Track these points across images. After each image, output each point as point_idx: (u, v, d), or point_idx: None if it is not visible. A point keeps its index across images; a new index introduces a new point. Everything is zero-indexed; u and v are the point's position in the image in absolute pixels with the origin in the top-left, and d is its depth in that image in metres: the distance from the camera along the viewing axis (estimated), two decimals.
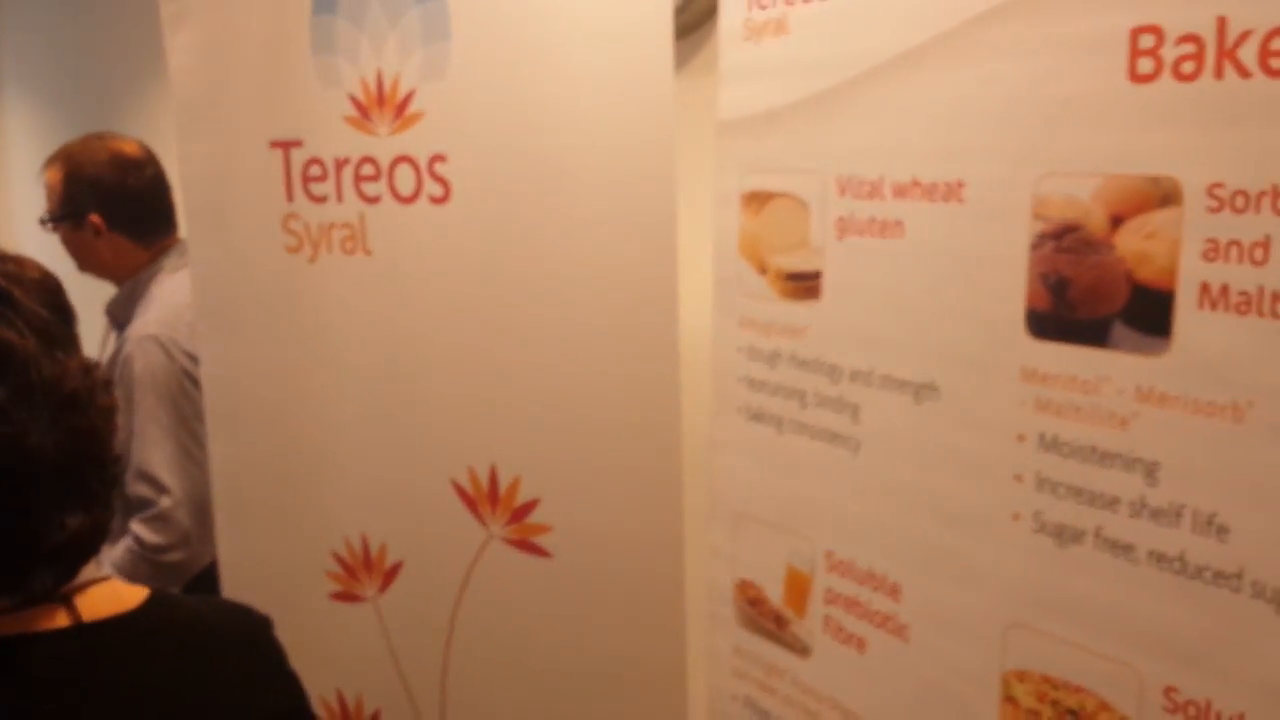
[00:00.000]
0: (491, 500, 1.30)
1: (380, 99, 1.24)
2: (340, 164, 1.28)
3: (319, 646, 1.39)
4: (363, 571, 1.42)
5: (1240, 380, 0.71)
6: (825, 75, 0.96)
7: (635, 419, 1.21)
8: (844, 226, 0.97)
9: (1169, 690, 0.76)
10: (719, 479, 1.14)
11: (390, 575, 1.40)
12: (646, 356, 1.20)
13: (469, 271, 1.27)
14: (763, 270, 1.06)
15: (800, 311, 1.03)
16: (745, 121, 1.06)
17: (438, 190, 1.26)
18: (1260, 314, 0.69)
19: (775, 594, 1.09)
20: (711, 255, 1.12)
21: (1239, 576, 0.72)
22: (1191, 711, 0.75)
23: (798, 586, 1.07)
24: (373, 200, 1.29)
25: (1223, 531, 0.73)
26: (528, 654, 1.32)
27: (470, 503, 1.32)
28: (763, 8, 1.01)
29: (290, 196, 1.31)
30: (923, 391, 0.92)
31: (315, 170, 1.29)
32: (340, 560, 1.43)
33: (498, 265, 1.25)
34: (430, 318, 1.31)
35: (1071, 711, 0.83)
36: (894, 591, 0.96)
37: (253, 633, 0.89)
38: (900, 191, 0.91)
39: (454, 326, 1.30)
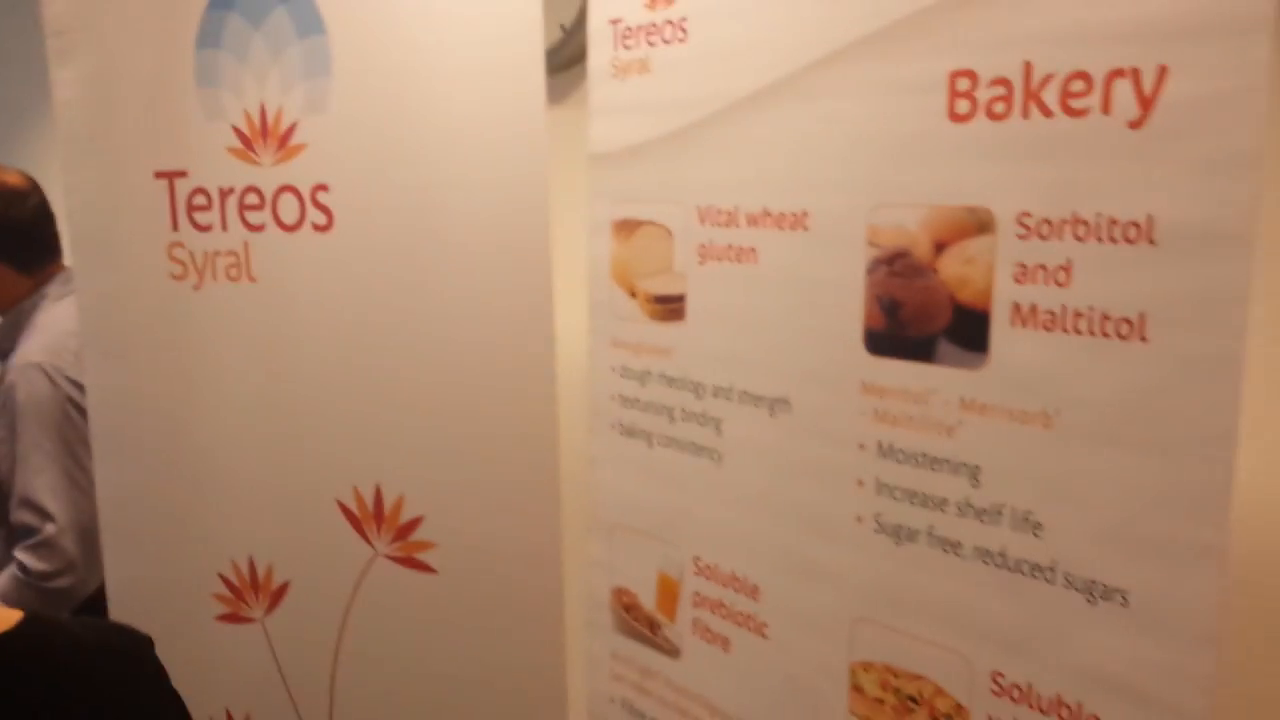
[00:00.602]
0: (377, 519, 1.33)
1: (263, 131, 1.27)
2: (225, 193, 1.30)
3: (206, 667, 1.40)
4: (250, 593, 1.43)
5: (1049, 391, 0.79)
6: (685, 112, 1.03)
7: (515, 437, 1.25)
8: (705, 253, 1.04)
9: (995, 675, 0.84)
10: (596, 492, 1.20)
11: (278, 595, 1.41)
12: (525, 377, 1.24)
13: (351, 297, 1.30)
14: (633, 294, 1.12)
15: (667, 332, 1.09)
16: (614, 155, 1.12)
17: (320, 219, 1.29)
18: (1064, 330, 0.77)
19: (648, 599, 1.15)
20: (586, 280, 1.18)
21: (1052, 569, 0.80)
22: (1015, 694, 0.83)
23: (668, 591, 1.13)
24: (257, 229, 1.31)
25: (1037, 528, 0.80)
26: (413, 666, 1.35)
27: (356, 522, 1.35)
28: (627, 48, 1.08)
29: (175, 225, 1.32)
30: (777, 405, 0.99)
31: (200, 200, 1.31)
32: (227, 582, 1.44)
33: (379, 291, 1.29)
34: (314, 342, 1.34)
35: (911, 698, 0.90)
36: (754, 592, 1.03)
37: (133, 652, 0.90)
38: (753, 220, 0.98)
39: (337, 350, 1.33)
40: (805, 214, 0.93)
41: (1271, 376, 0.98)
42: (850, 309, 0.90)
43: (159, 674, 0.91)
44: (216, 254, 1.33)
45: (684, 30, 1.02)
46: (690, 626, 1.10)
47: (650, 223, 1.09)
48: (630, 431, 1.15)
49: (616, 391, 1.16)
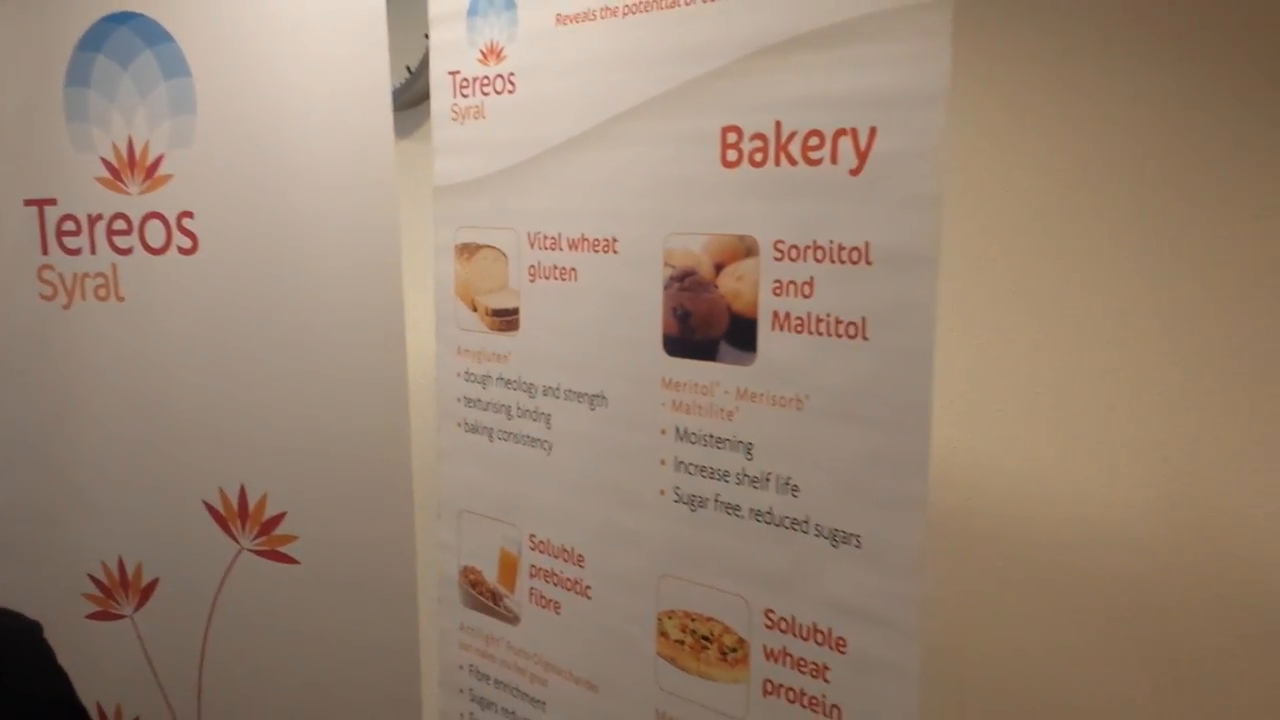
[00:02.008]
0: (242, 516, 1.46)
1: (131, 162, 1.39)
2: (94, 219, 1.41)
3: (78, 663, 1.47)
4: (119, 591, 1.53)
5: (801, 380, 0.99)
6: (515, 153, 1.20)
7: (370, 437, 1.40)
8: (534, 272, 1.21)
9: (768, 612, 1.04)
10: (444, 483, 1.36)
11: (147, 592, 1.52)
12: (379, 383, 1.39)
13: (216, 313, 1.43)
14: (474, 308, 1.29)
15: (504, 341, 1.26)
16: (456, 187, 1.28)
17: (186, 242, 1.41)
18: (810, 332, 0.97)
19: (491, 574, 1.31)
20: (433, 295, 1.34)
21: (806, 522, 1.00)
22: (783, 626, 1.03)
23: (508, 566, 1.29)
24: (124, 252, 1.42)
25: (795, 490, 1.00)
26: (278, 651, 1.48)
27: (221, 520, 1.47)
28: (465, 96, 1.25)
29: (45, 249, 1.42)
30: (595, 400, 1.17)
31: (69, 225, 1.42)
32: (97, 582, 1.54)
33: (243, 307, 1.42)
34: (180, 355, 1.45)
35: (705, 637, 1.09)
36: (579, 560, 1.21)
37: (20, 634, 1.01)
38: (573, 245, 1.16)
39: (202, 363, 1.45)
40: (615, 240, 1.12)
41: (950, 365, 1.22)
42: (652, 318, 1.09)
43: (48, 653, 1.02)
44: (85, 275, 1.44)
45: (513, 83, 1.20)
46: (527, 595, 1.27)
47: (488, 246, 1.26)
48: (474, 428, 1.31)
49: (461, 393, 1.32)
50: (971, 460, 1.34)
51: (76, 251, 1.43)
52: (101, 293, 1.45)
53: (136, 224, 1.41)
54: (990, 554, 1.35)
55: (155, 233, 1.41)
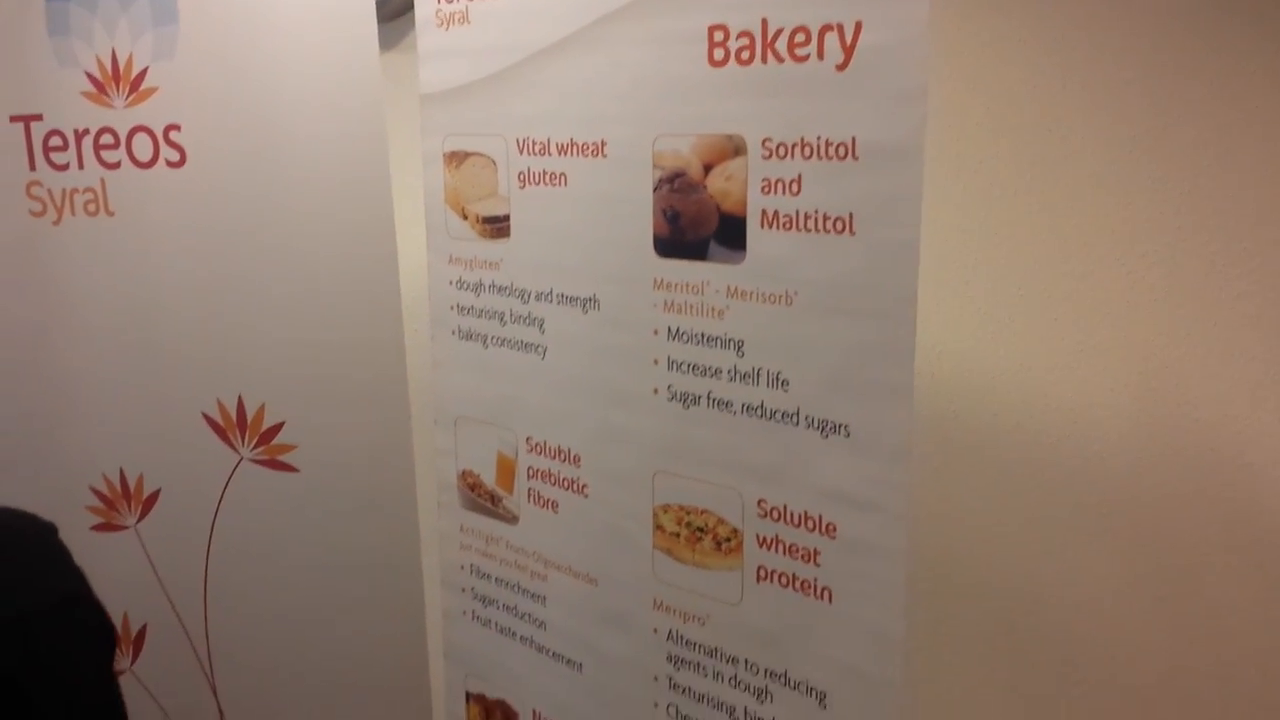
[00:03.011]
0: (240, 427, 1.48)
1: (115, 76, 1.38)
2: (80, 135, 1.41)
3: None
4: (122, 502, 1.56)
5: (789, 276, 1.01)
6: (501, 58, 1.20)
7: (366, 346, 1.42)
8: (524, 179, 1.22)
9: (760, 501, 1.07)
10: (440, 390, 1.38)
11: (149, 503, 1.55)
12: (372, 293, 1.41)
13: (206, 226, 1.44)
14: (464, 216, 1.30)
15: (495, 248, 1.28)
16: (442, 94, 1.28)
17: (174, 155, 1.41)
18: (798, 229, 0.99)
19: (489, 478, 1.35)
20: (423, 205, 1.35)
21: (797, 414, 1.03)
22: (775, 514, 1.06)
23: (506, 469, 1.33)
24: (112, 166, 1.42)
25: (785, 384, 1.03)
26: (280, 558, 1.52)
27: (220, 431, 1.49)
28: (449, 2, 1.24)
29: (33, 165, 1.42)
30: (588, 304, 1.19)
31: (56, 141, 1.41)
32: (99, 495, 1.56)
33: (232, 219, 1.42)
34: (172, 269, 1.46)
35: (699, 529, 1.13)
36: (576, 460, 1.24)
37: (37, 534, 1.04)
38: (562, 150, 1.17)
39: (194, 276, 1.46)
40: (603, 143, 1.13)
41: (935, 257, 1.25)
42: (642, 221, 1.11)
43: (64, 552, 1.05)
44: (74, 191, 1.44)
45: None
46: (526, 496, 1.31)
47: (477, 153, 1.27)
48: (467, 335, 1.33)
49: (454, 301, 1.34)
50: (956, 364, 1.37)
51: (64, 167, 1.43)
52: (91, 208, 1.45)
53: (123, 138, 1.41)
54: (974, 456, 1.39)
55: (143, 146, 1.41)
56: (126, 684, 1.07)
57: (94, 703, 0.98)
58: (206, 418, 1.50)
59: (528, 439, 1.29)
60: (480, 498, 1.36)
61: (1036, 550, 1.37)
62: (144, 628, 1.61)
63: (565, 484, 1.25)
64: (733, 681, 1.11)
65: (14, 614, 0.92)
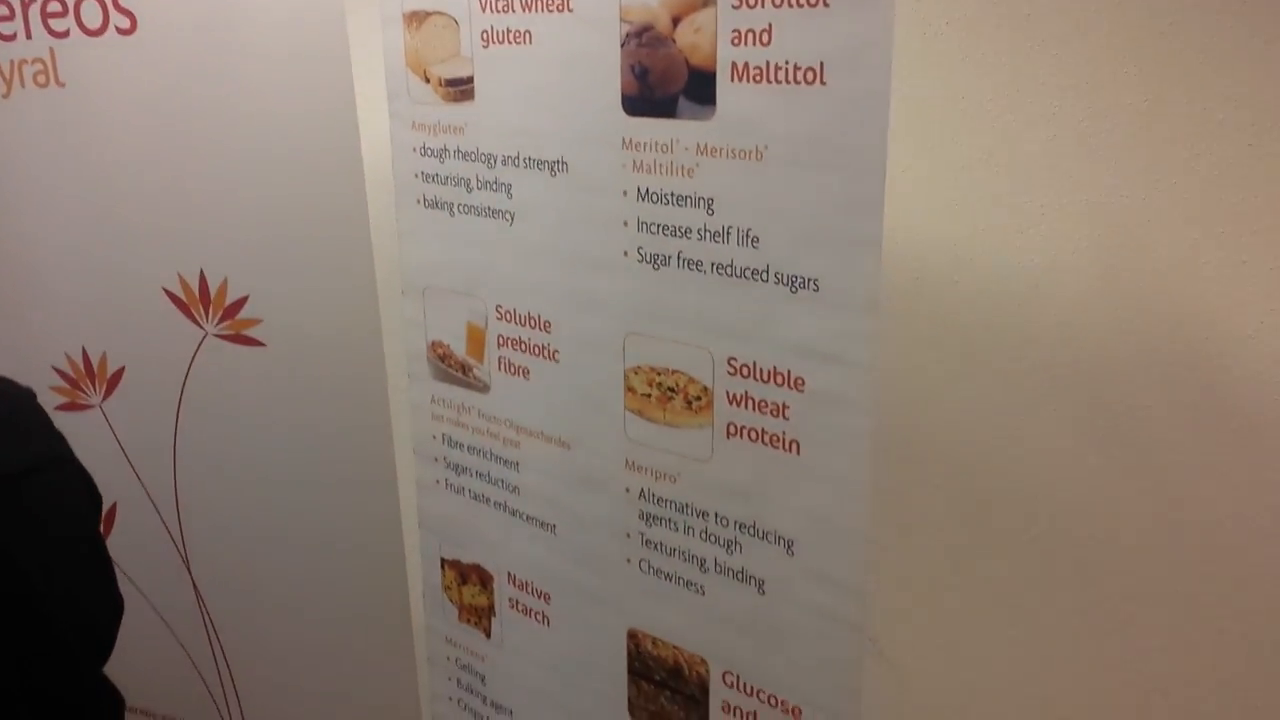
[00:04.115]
0: (204, 301, 1.47)
1: None
2: (26, 2, 1.35)
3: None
4: (86, 381, 1.55)
5: (760, 130, 1.00)
6: None
7: (329, 216, 1.40)
8: (487, 38, 1.20)
9: (730, 359, 1.08)
10: (407, 260, 1.37)
11: (114, 381, 1.54)
12: (332, 161, 1.38)
13: (160, 96, 1.40)
14: (426, 79, 1.27)
15: (459, 112, 1.25)
16: None
17: (124, 22, 1.37)
18: (769, 81, 0.98)
19: (459, 348, 1.35)
20: (383, 69, 1.32)
21: (766, 271, 1.03)
22: (745, 371, 1.08)
23: (476, 338, 1.33)
24: (61, 35, 1.38)
25: (755, 241, 1.03)
26: (249, 434, 1.52)
27: (184, 306, 1.48)
28: None
29: None
30: (556, 167, 1.18)
31: (2, 10, 1.36)
32: (62, 375, 1.55)
33: (187, 88, 1.39)
34: (127, 141, 1.43)
35: (670, 388, 1.14)
36: (546, 327, 1.24)
37: (17, 398, 1.03)
38: (526, 6, 1.15)
39: (150, 148, 1.43)
40: None
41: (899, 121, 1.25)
42: (609, 78, 1.09)
43: (44, 417, 1.04)
44: (23, 62, 1.39)
45: None
46: (496, 364, 1.31)
47: (437, 12, 1.23)
48: (433, 203, 1.32)
49: (418, 169, 1.32)
50: (919, 235, 1.38)
51: (11, 37, 1.38)
52: (41, 79, 1.40)
53: (71, 4, 1.36)
54: (937, 321, 1.41)
55: (91, 12, 1.36)
56: None
57: (81, 562, 0.99)
58: (168, 293, 1.48)
59: (497, 307, 1.29)
60: (451, 368, 1.36)
61: (998, 412, 1.40)
62: (114, 506, 1.62)
63: (536, 351, 1.26)
64: (703, 535, 1.14)
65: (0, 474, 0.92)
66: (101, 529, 1.07)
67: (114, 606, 1.04)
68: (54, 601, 0.90)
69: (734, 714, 1.15)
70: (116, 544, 1.64)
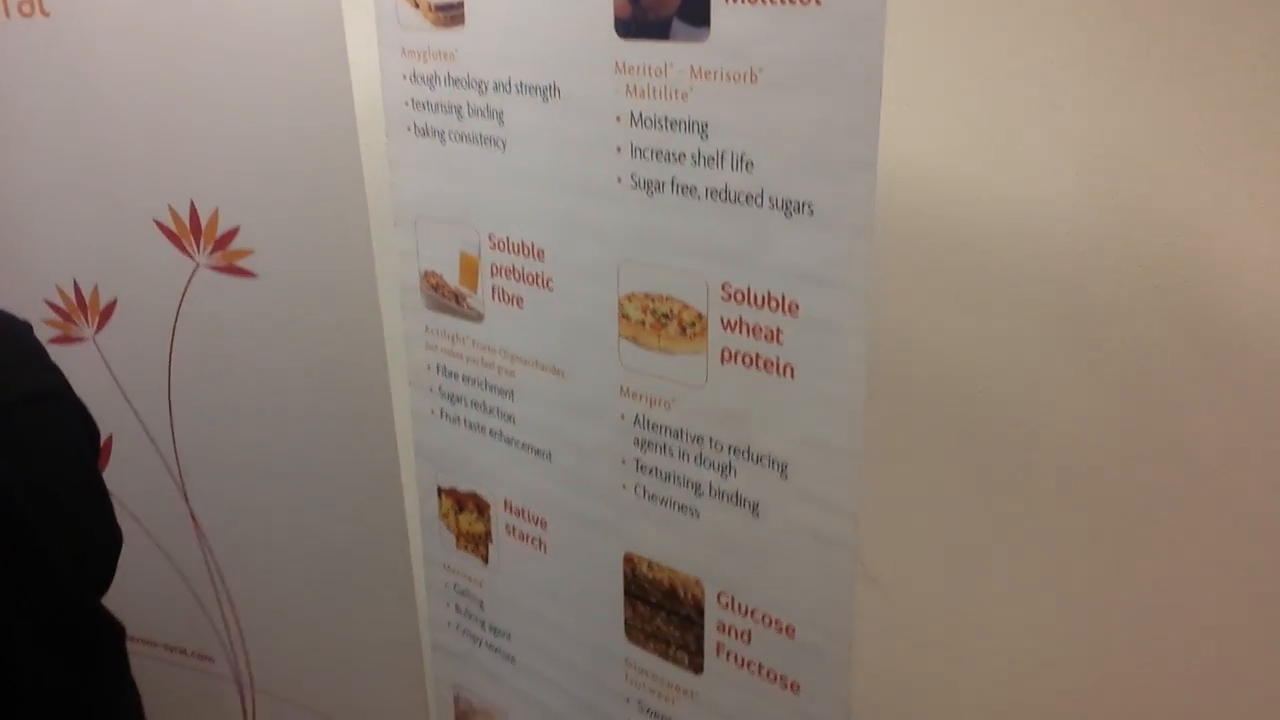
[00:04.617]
0: (195, 232, 1.46)
1: None
2: None
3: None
4: (78, 314, 1.55)
5: (754, 53, 0.99)
6: None
7: (319, 147, 1.38)
8: None
9: (724, 285, 1.08)
10: (399, 190, 1.36)
11: (106, 314, 1.54)
12: (321, 91, 1.36)
13: (147, 24, 1.37)
14: (416, 4, 1.26)
15: (450, 37, 1.24)
16: None
17: None
18: (761, 1, 0.97)
19: (452, 278, 1.35)
20: None
21: (761, 195, 1.03)
22: (739, 297, 1.08)
23: (469, 268, 1.33)
24: None
25: (750, 165, 1.03)
26: (243, 366, 1.52)
27: (175, 238, 1.47)
28: None
29: None
30: (548, 92, 1.17)
31: None
32: (55, 308, 1.55)
33: (174, 16, 1.36)
34: (114, 71, 1.41)
35: (664, 315, 1.14)
36: (540, 255, 1.24)
37: (13, 330, 1.03)
38: None
39: (136, 78, 1.41)
40: None
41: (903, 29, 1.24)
42: (603, 1, 1.08)
43: (40, 349, 1.04)
44: None
45: None
46: (490, 293, 1.31)
47: None
48: (424, 131, 1.31)
49: (408, 97, 1.31)
50: (915, 166, 1.38)
51: None
52: (25, 9, 1.39)
53: None
54: (926, 253, 1.41)
55: None
56: None
57: (79, 495, 1.00)
58: (159, 225, 1.47)
59: (490, 236, 1.29)
60: (444, 298, 1.36)
61: (990, 341, 1.41)
62: (110, 439, 1.63)
63: (530, 279, 1.26)
64: (698, 460, 1.15)
65: None
66: (98, 462, 1.08)
67: (112, 537, 1.04)
68: (52, 532, 0.91)
69: (729, 633, 1.18)
70: (113, 476, 1.64)
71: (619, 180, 1.13)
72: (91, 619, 0.97)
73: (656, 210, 1.11)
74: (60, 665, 0.91)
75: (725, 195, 1.05)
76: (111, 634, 0.99)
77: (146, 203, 1.47)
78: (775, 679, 1.15)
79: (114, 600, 1.06)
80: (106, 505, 1.03)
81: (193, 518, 1.64)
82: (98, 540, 1.00)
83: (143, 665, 1.73)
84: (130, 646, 1.74)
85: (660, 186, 1.10)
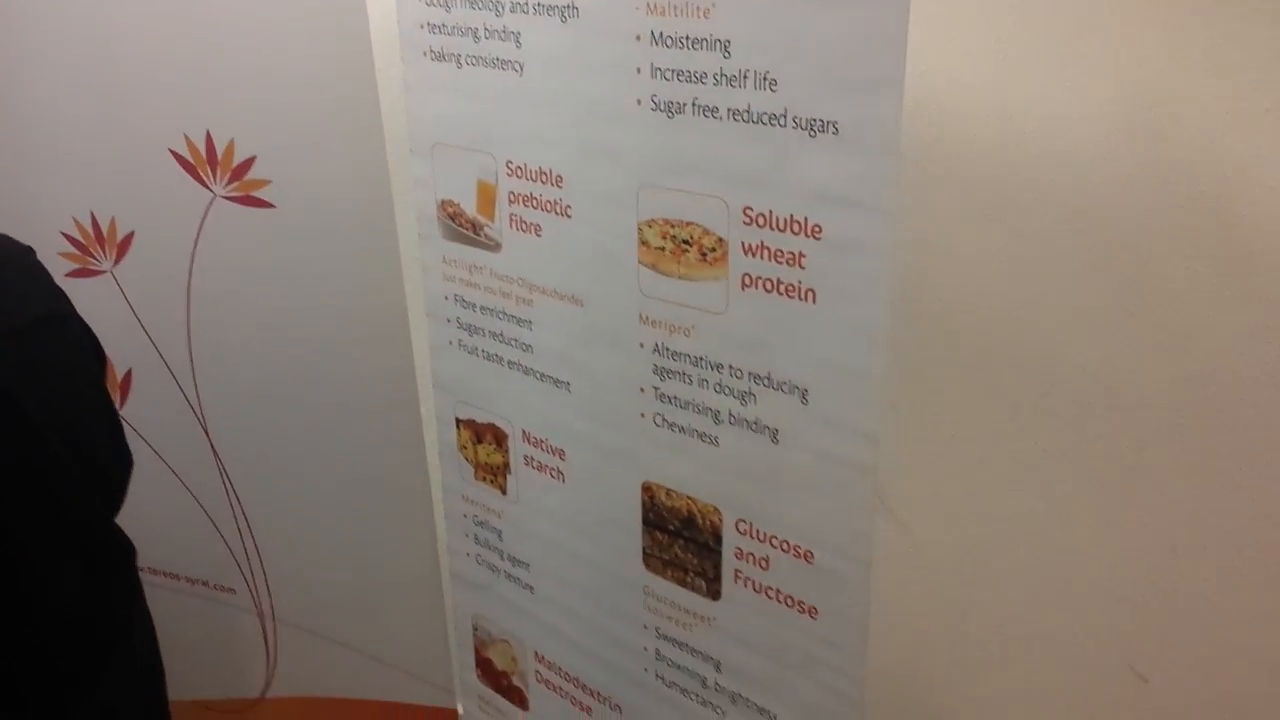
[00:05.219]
0: (211, 163, 1.45)
1: None
2: None
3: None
4: (96, 247, 1.54)
5: None
6: None
7: (332, 73, 1.37)
8: None
9: (745, 209, 1.07)
10: (415, 117, 1.35)
11: (124, 246, 1.54)
12: (336, 17, 1.35)
13: None
14: None
15: None
16: None
17: None
18: None
19: (470, 206, 1.34)
20: None
21: (784, 115, 1.01)
22: (761, 221, 1.06)
23: (487, 196, 1.31)
24: None
25: (773, 84, 1.01)
26: (261, 298, 1.52)
27: (191, 169, 1.46)
28: None
29: None
30: (566, 12, 1.14)
31: None
32: (72, 240, 1.55)
33: None
34: (129, 2, 1.39)
35: (685, 241, 1.13)
36: (559, 181, 1.23)
37: (18, 254, 1.03)
38: None
39: (152, 8, 1.39)
40: None
41: None
42: None
43: (45, 273, 1.05)
44: None
45: None
46: (508, 222, 1.30)
47: None
48: (440, 55, 1.29)
49: (424, 19, 1.28)
50: (942, 87, 1.35)
51: None
52: None
53: None
54: (959, 181, 1.39)
55: None
56: None
57: (89, 415, 1.00)
58: (175, 155, 1.46)
59: (508, 163, 1.27)
60: (461, 227, 1.35)
61: (1013, 268, 1.39)
62: (129, 372, 1.63)
63: (548, 206, 1.25)
64: (718, 387, 1.15)
65: (3, 329, 0.92)
66: (107, 385, 1.08)
67: (122, 457, 1.05)
68: (62, 450, 0.91)
69: (747, 560, 1.18)
70: (134, 410, 1.66)
71: (639, 102, 1.11)
72: (104, 536, 0.98)
73: (677, 133, 1.09)
74: (74, 579, 0.92)
75: (748, 116, 1.03)
76: (122, 551, 1.00)
77: (162, 133, 1.46)
78: (793, 604, 1.15)
79: (136, 533, 1.07)
80: (116, 425, 1.04)
81: (213, 450, 1.65)
82: (110, 460, 1.01)
83: (165, 598, 1.77)
84: (152, 579, 1.77)
85: (681, 108, 1.08)
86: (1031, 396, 1.42)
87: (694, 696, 1.30)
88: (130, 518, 1.06)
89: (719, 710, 1.27)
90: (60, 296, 1.05)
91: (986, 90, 1.33)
